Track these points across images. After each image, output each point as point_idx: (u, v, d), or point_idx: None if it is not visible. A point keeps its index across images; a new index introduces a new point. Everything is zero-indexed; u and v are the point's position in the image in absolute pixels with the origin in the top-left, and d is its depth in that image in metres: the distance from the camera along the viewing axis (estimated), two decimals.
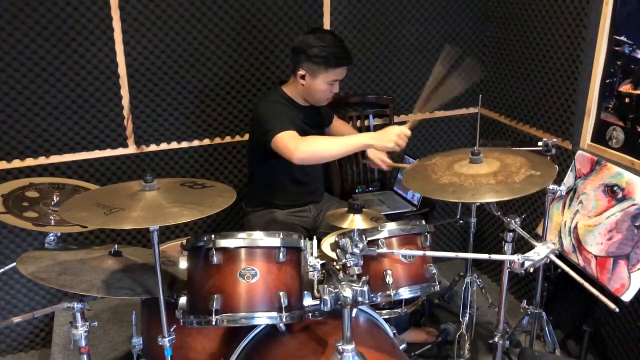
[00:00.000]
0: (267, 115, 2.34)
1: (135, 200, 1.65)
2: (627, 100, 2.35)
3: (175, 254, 2.05)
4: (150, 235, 1.63)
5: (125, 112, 2.70)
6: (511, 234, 1.96)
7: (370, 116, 3.08)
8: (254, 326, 1.85)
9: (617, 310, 1.53)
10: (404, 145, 2.17)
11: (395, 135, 2.15)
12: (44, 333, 2.88)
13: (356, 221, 1.85)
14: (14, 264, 1.82)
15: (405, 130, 2.17)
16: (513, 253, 1.89)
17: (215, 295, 1.64)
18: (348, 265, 1.63)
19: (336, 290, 1.54)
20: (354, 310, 1.87)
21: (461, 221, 2.66)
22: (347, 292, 1.52)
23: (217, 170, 2.95)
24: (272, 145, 2.26)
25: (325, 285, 1.56)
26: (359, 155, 3.07)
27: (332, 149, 2.23)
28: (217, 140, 2.90)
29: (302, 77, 2.38)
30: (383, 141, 2.16)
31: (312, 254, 1.76)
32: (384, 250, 1.86)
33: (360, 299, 1.52)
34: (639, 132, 2.32)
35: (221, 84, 2.81)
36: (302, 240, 1.78)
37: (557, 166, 1.93)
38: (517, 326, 2.54)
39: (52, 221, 1.97)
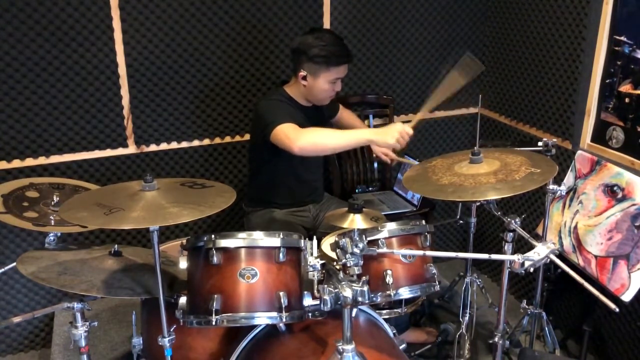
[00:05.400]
0: (267, 110, 2.35)
1: (135, 200, 1.65)
2: (627, 100, 2.35)
3: (175, 254, 2.05)
4: (150, 235, 1.63)
5: (125, 112, 2.70)
6: (511, 234, 1.96)
7: (370, 116, 3.08)
8: (254, 326, 1.85)
9: (617, 310, 1.53)
10: (404, 144, 2.17)
11: (397, 132, 2.14)
12: (44, 333, 2.88)
13: (356, 221, 1.85)
14: (14, 264, 1.82)
15: (407, 129, 2.16)
16: (513, 253, 1.89)
17: (215, 295, 1.64)
18: (348, 265, 1.62)
19: (336, 290, 1.54)
20: (354, 310, 1.88)
21: (461, 221, 2.66)
22: (347, 292, 1.52)
23: (217, 170, 2.95)
24: (272, 137, 2.25)
25: (325, 285, 1.56)
26: (361, 152, 3.08)
27: (333, 141, 2.21)
28: (217, 140, 2.90)
29: (304, 77, 2.38)
30: (384, 137, 2.15)
31: (312, 254, 1.76)
32: (384, 250, 1.86)
33: (360, 299, 1.52)
34: (639, 132, 2.32)
35: (221, 84, 2.81)
36: (302, 240, 1.78)
37: (557, 165, 1.93)
38: (517, 326, 2.54)
39: (52, 221, 1.97)
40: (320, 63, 2.33)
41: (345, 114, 2.79)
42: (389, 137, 2.14)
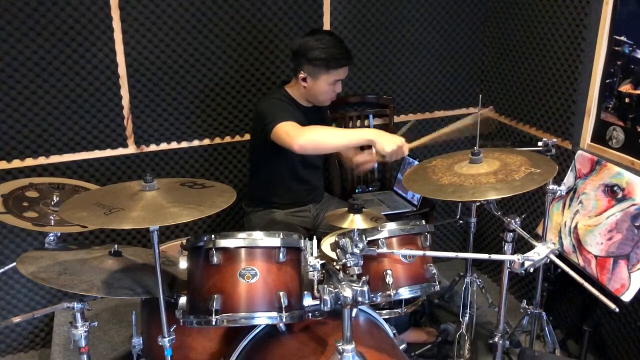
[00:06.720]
0: (268, 109, 2.34)
1: (135, 200, 1.65)
2: (627, 100, 2.35)
3: (175, 254, 2.05)
4: (150, 235, 1.63)
5: (125, 112, 2.70)
6: (511, 234, 1.96)
7: (370, 116, 3.08)
8: (254, 326, 1.86)
9: (617, 310, 1.53)
10: (394, 159, 2.17)
11: (396, 145, 2.12)
12: (44, 333, 2.88)
13: (356, 221, 1.85)
14: (14, 264, 1.82)
15: (405, 149, 2.15)
16: (513, 253, 1.89)
17: (215, 295, 1.64)
18: (348, 265, 1.63)
19: (336, 290, 1.54)
20: (354, 310, 1.88)
21: (461, 221, 2.66)
22: (347, 292, 1.52)
23: (217, 170, 2.95)
24: (272, 135, 2.24)
25: (325, 285, 1.56)
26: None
27: (334, 139, 2.21)
28: (217, 140, 2.90)
29: (304, 79, 2.38)
30: (384, 142, 2.12)
31: (312, 254, 1.76)
32: (384, 250, 1.86)
33: (360, 299, 1.52)
34: (639, 132, 2.32)
35: (221, 84, 2.81)
36: (302, 240, 1.78)
37: (557, 165, 1.93)
38: (517, 326, 2.54)
39: (52, 221, 1.97)
40: (320, 65, 2.32)
41: None
42: (388, 144, 2.12)
